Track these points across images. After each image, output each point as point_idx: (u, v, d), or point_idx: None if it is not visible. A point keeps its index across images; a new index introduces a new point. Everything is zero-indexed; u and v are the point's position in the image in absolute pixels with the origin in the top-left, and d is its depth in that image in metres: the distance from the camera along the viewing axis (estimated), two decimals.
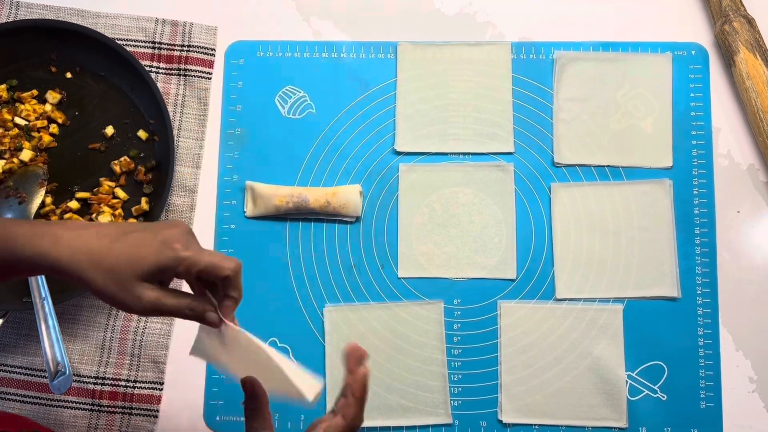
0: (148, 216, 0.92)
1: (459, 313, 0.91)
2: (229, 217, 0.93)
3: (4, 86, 0.93)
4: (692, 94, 0.94)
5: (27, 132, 0.92)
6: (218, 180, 0.94)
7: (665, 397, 0.89)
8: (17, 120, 0.92)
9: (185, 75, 0.96)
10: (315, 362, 0.90)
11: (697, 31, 0.96)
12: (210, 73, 0.96)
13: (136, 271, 0.60)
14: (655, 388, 0.89)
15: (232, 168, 0.94)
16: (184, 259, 0.61)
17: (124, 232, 0.61)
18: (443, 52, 0.95)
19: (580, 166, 0.93)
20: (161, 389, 0.90)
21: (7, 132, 0.91)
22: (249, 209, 0.93)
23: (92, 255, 0.60)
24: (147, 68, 0.93)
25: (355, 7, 0.98)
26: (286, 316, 0.91)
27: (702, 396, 0.88)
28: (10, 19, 0.96)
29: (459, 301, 0.91)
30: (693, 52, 0.95)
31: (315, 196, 0.92)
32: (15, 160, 0.90)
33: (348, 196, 0.92)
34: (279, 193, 0.92)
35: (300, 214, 0.92)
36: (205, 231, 0.93)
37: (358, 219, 0.93)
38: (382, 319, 0.90)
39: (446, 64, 0.95)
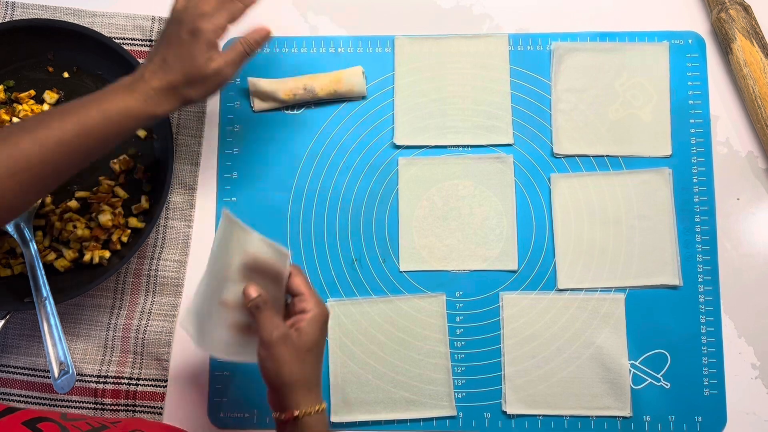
0: (148, 214, 0.91)
1: (461, 305, 0.91)
2: None
3: (1, 87, 0.93)
4: (690, 83, 0.94)
5: None
6: (218, 177, 0.94)
7: (668, 385, 0.89)
8: (15, 120, 0.91)
9: None
10: None
11: (693, 19, 0.96)
12: None
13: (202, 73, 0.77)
14: (659, 376, 0.89)
15: (231, 165, 0.94)
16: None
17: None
18: (440, 45, 0.95)
19: (579, 156, 0.93)
20: (164, 386, 0.90)
21: None
22: (256, 105, 0.94)
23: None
24: None
25: (351, 1, 0.97)
26: None
27: (705, 383, 0.89)
28: (6, 20, 0.96)
29: (461, 293, 0.91)
30: (690, 41, 0.95)
31: (320, 84, 0.93)
32: None
33: (353, 79, 0.93)
34: (284, 87, 0.93)
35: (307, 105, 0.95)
36: (205, 228, 0.93)
37: (364, 97, 0.94)
38: (384, 312, 0.91)
39: (444, 57, 0.95)
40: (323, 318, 0.74)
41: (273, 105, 0.94)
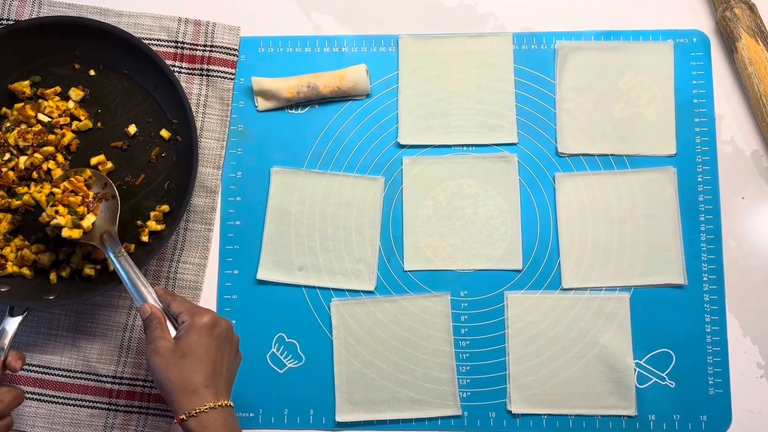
0: (168, 217, 0.91)
1: (466, 304, 0.91)
2: (234, 214, 0.94)
3: (27, 82, 0.93)
4: (694, 82, 0.94)
5: (50, 129, 0.91)
6: (222, 176, 0.94)
7: (673, 384, 0.88)
8: (40, 116, 0.91)
9: (208, 75, 0.96)
10: (323, 357, 0.91)
11: (698, 18, 0.96)
12: (232, 74, 0.96)
13: None
14: (664, 375, 0.88)
15: (235, 164, 0.95)
16: None
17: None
18: (444, 44, 0.96)
19: (583, 155, 0.93)
20: None
21: (30, 128, 0.91)
22: (260, 104, 0.95)
23: None
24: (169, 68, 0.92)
25: (355, 1, 0.98)
26: (293, 311, 0.92)
27: (710, 383, 0.88)
28: (33, 16, 0.97)
29: (466, 292, 0.91)
30: (694, 39, 0.95)
31: (324, 82, 0.94)
32: (37, 155, 0.90)
33: (356, 76, 0.94)
34: (287, 85, 0.94)
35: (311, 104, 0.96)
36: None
37: (368, 96, 0.95)
38: (389, 312, 0.91)
39: (448, 56, 0.96)
40: (199, 325, 0.76)
41: (277, 104, 0.95)
